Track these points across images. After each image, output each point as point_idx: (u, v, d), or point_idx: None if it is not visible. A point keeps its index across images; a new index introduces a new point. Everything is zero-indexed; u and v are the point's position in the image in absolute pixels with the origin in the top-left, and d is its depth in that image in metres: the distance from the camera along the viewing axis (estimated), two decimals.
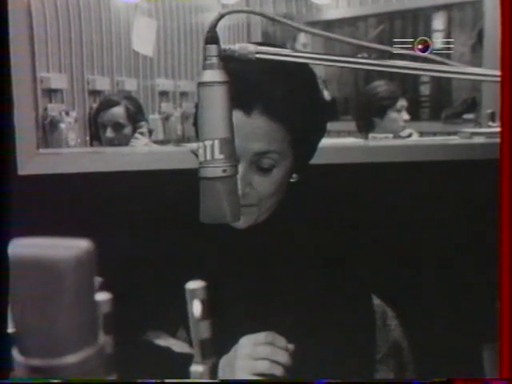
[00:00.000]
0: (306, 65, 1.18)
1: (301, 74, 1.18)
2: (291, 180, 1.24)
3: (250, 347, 1.13)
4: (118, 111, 3.22)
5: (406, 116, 3.47)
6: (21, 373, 0.47)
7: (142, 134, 3.23)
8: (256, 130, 1.14)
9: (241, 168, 1.14)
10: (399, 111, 3.46)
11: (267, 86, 1.14)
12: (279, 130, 1.15)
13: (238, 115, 1.11)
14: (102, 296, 0.53)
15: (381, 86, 3.51)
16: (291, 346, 1.15)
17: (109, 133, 3.20)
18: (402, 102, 3.48)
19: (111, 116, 3.21)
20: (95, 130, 3.37)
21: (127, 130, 3.21)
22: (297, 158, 1.21)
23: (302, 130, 1.18)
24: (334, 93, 5.05)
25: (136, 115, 3.25)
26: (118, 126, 3.20)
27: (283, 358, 1.13)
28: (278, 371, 1.12)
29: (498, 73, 0.87)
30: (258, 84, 1.13)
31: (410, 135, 3.39)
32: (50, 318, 0.46)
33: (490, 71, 0.90)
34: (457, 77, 0.93)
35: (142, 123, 3.26)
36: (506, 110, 0.86)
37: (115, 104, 3.24)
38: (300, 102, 1.17)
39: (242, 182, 1.14)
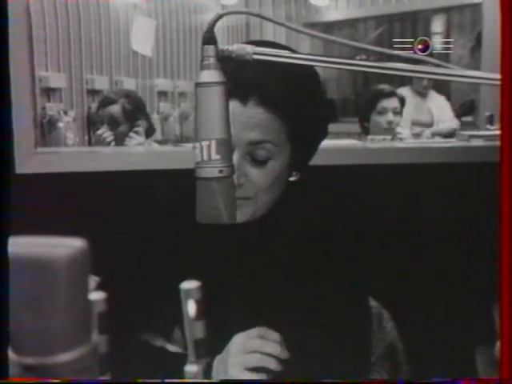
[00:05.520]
0: None
1: (300, 66, 1.17)
2: (291, 179, 1.24)
3: (242, 343, 1.13)
4: (115, 109, 3.24)
5: (390, 117, 3.41)
6: (14, 371, 0.47)
7: (136, 133, 3.23)
8: (251, 120, 1.14)
9: (235, 158, 1.14)
10: (381, 113, 3.42)
11: (264, 76, 1.14)
12: (275, 121, 1.15)
13: (234, 104, 1.11)
14: (96, 295, 0.53)
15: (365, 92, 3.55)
16: (281, 339, 1.15)
17: (104, 129, 3.22)
18: (385, 104, 3.43)
19: (107, 113, 3.24)
20: (100, 125, 3.38)
21: (123, 128, 3.22)
22: (295, 153, 1.21)
23: (300, 123, 1.18)
24: (333, 94, 5.05)
25: (133, 114, 3.26)
26: (112, 123, 3.22)
27: (274, 350, 1.13)
28: (270, 364, 1.12)
29: (497, 76, 0.87)
30: (255, 74, 1.13)
31: (394, 136, 3.31)
32: (44, 316, 0.46)
33: (488, 74, 0.90)
34: (455, 80, 0.94)
35: (139, 122, 3.26)
36: (506, 112, 0.86)
37: (113, 101, 3.26)
38: (298, 93, 1.17)
39: (237, 172, 1.13)
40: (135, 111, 3.29)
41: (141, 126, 3.25)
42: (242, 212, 1.17)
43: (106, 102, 3.31)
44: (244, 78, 1.12)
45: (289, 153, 1.20)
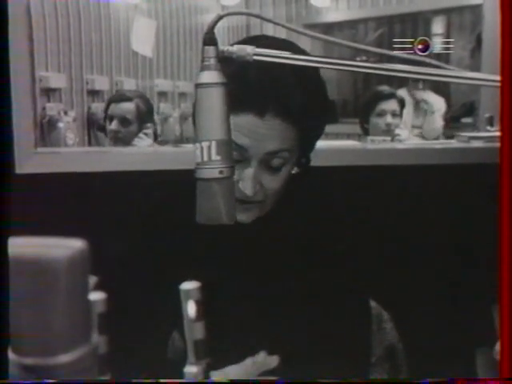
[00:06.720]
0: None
1: (308, 71, 1.18)
2: (292, 172, 1.25)
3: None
4: (128, 107, 3.23)
5: (389, 119, 3.41)
6: (14, 371, 0.47)
7: (146, 134, 3.23)
8: (270, 131, 1.15)
9: (252, 167, 1.16)
10: (380, 115, 3.42)
11: (280, 88, 1.14)
12: (291, 130, 1.16)
13: (250, 117, 1.13)
14: (96, 296, 0.53)
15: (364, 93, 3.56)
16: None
17: (114, 125, 3.20)
18: (384, 106, 3.43)
19: (120, 110, 3.22)
20: (103, 121, 3.38)
21: (133, 128, 3.22)
22: (301, 155, 1.24)
23: (309, 128, 1.20)
24: (333, 95, 5.05)
25: (145, 115, 3.26)
26: (124, 121, 3.21)
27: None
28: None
29: (497, 77, 0.87)
30: (271, 87, 1.13)
31: (393, 137, 3.32)
32: (44, 317, 0.46)
33: (488, 76, 0.90)
34: (455, 81, 0.93)
35: (149, 124, 3.26)
36: (506, 114, 0.86)
37: (127, 99, 3.25)
38: (309, 99, 1.17)
39: (253, 181, 1.15)
40: (147, 113, 3.30)
41: (150, 129, 3.25)
42: (252, 213, 1.21)
43: (121, 98, 3.29)
44: (259, 91, 1.12)
45: (297, 156, 1.22)
